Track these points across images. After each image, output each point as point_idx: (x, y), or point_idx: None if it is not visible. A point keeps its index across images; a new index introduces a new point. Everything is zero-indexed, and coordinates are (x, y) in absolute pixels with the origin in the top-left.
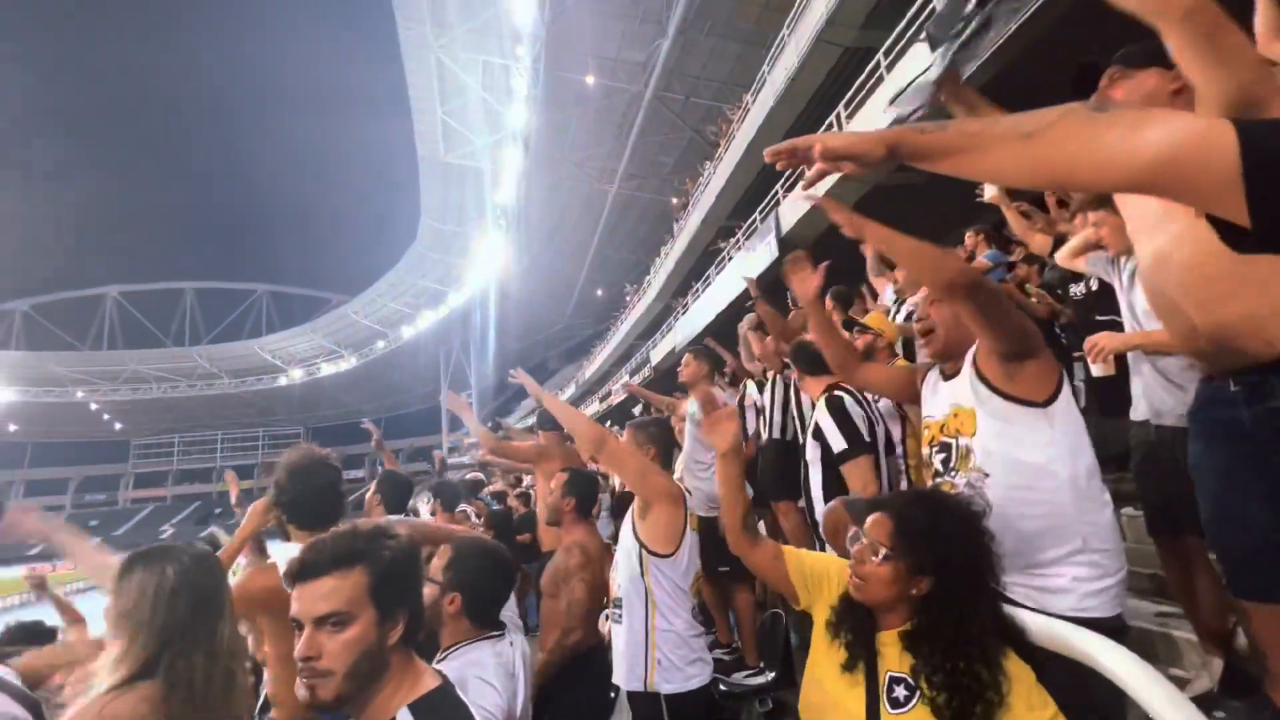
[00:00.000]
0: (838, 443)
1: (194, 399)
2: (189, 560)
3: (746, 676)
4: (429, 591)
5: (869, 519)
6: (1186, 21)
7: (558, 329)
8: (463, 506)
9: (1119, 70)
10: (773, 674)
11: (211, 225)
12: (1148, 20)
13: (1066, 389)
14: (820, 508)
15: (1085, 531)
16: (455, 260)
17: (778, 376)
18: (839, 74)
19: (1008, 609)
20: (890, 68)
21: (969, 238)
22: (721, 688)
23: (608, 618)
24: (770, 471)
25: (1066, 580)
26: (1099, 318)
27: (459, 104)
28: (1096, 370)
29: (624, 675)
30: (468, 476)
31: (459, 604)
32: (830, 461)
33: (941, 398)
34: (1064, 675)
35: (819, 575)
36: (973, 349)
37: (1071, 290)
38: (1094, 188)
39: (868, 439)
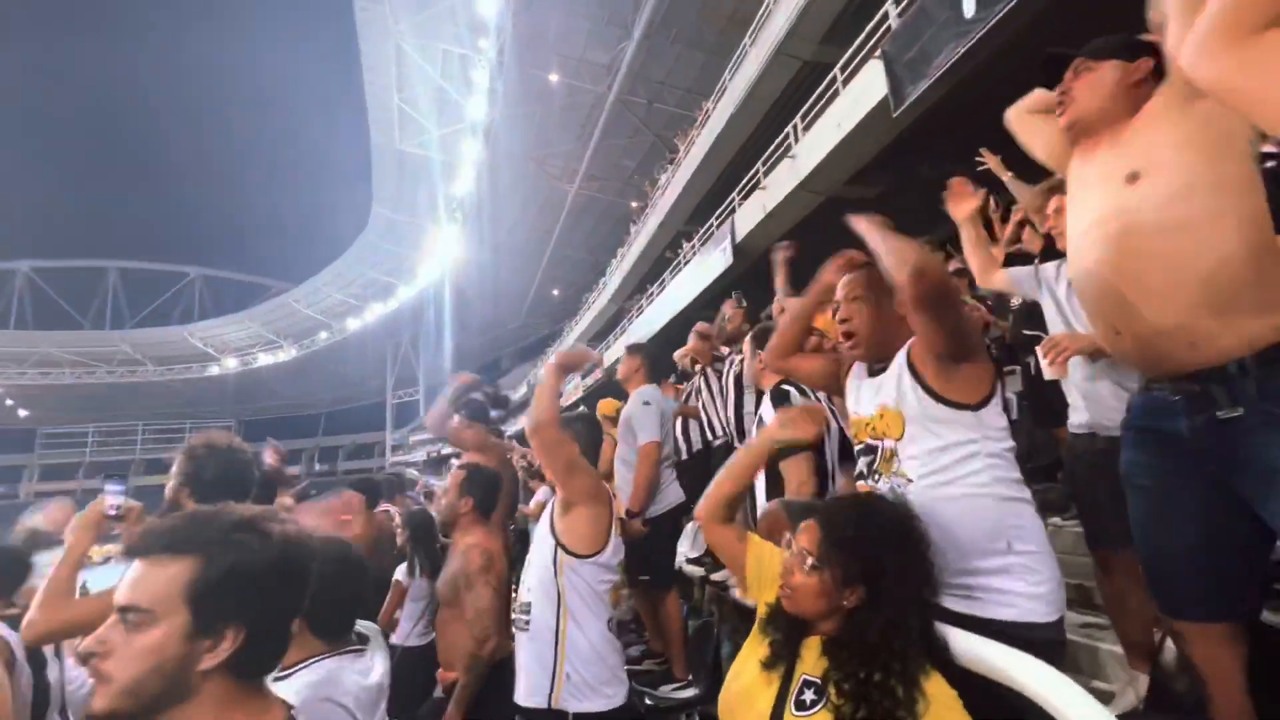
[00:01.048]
0: None
1: (114, 386)
2: None
3: (674, 690)
4: None
5: (800, 526)
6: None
7: (513, 327)
8: (384, 506)
9: (1084, 62)
10: (699, 690)
11: (142, 202)
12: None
13: (998, 394)
14: (761, 507)
15: (1011, 535)
16: (407, 252)
17: (707, 370)
18: (798, 86)
19: (940, 626)
20: (846, 83)
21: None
22: (648, 702)
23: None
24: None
25: (1001, 586)
26: (1026, 331)
27: (416, 92)
28: (1050, 373)
29: (524, 690)
30: (389, 473)
31: (301, 621)
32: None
33: (866, 395)
34: (990, 700)
35: (770, 571)
36: (905, 347)
37: (1012, 302)
38: None
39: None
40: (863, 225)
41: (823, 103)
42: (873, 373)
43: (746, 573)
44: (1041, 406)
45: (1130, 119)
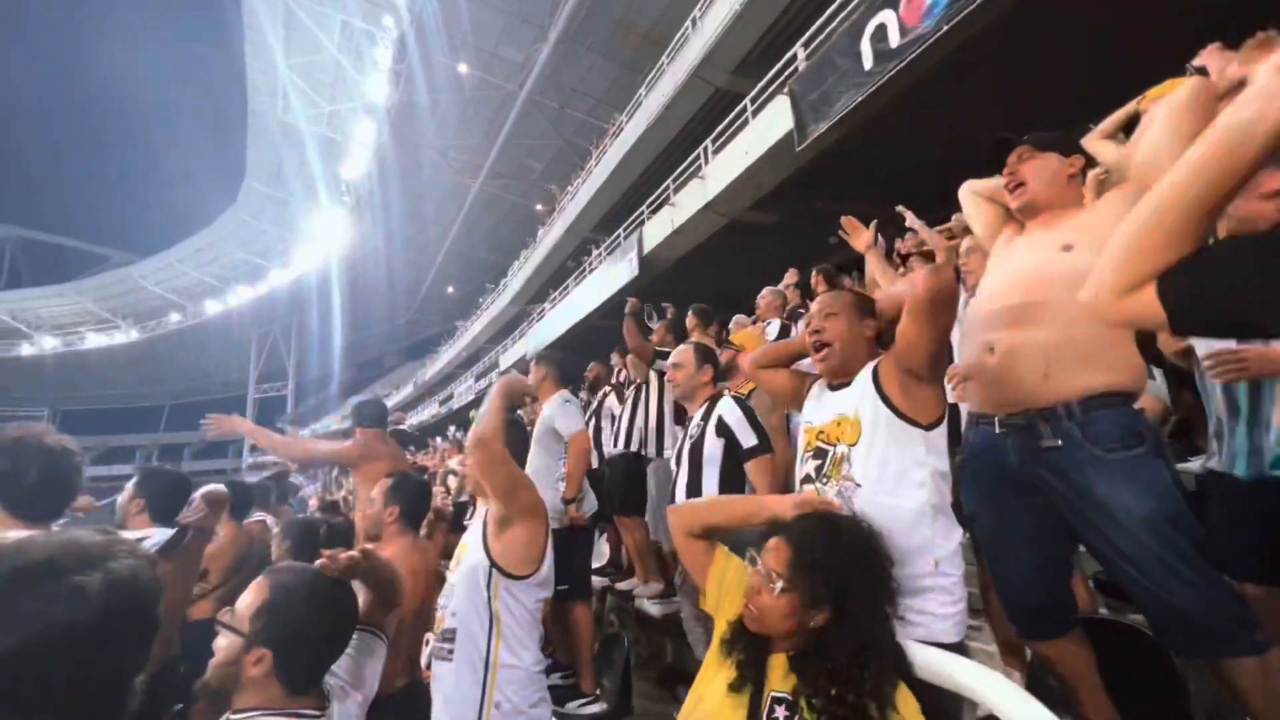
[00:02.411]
0: (748, 438)
1: None
2: None
3: (582, 706)
4: (227, 645)
5: (768, 545)
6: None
7: (402, 322)
8: (258, 514)
9: (1028, 150)
10: (606, 706)
11: None
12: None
13: (946, 421)
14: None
15: (938, 554)
16: (283, 233)
17: (641, 385)
18: (709, 111)
19: (901, 639)
20: (756, 113)
21: (813, 277)
22: None
23: (430, 654)
24: (623, 484)
25: (917, 605)
26: None
27: (307, 61)
28: (952, 397)
29: None
30: (270, 477)
31: (268, 664)
32: (733, 460)
33: (826, 406)
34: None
35: (733, 585)
36: (873, 363)
37: None
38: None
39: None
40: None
41: (732, 129)
42: (833, 388)
43: (708, 584)
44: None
45: (1065, 207)
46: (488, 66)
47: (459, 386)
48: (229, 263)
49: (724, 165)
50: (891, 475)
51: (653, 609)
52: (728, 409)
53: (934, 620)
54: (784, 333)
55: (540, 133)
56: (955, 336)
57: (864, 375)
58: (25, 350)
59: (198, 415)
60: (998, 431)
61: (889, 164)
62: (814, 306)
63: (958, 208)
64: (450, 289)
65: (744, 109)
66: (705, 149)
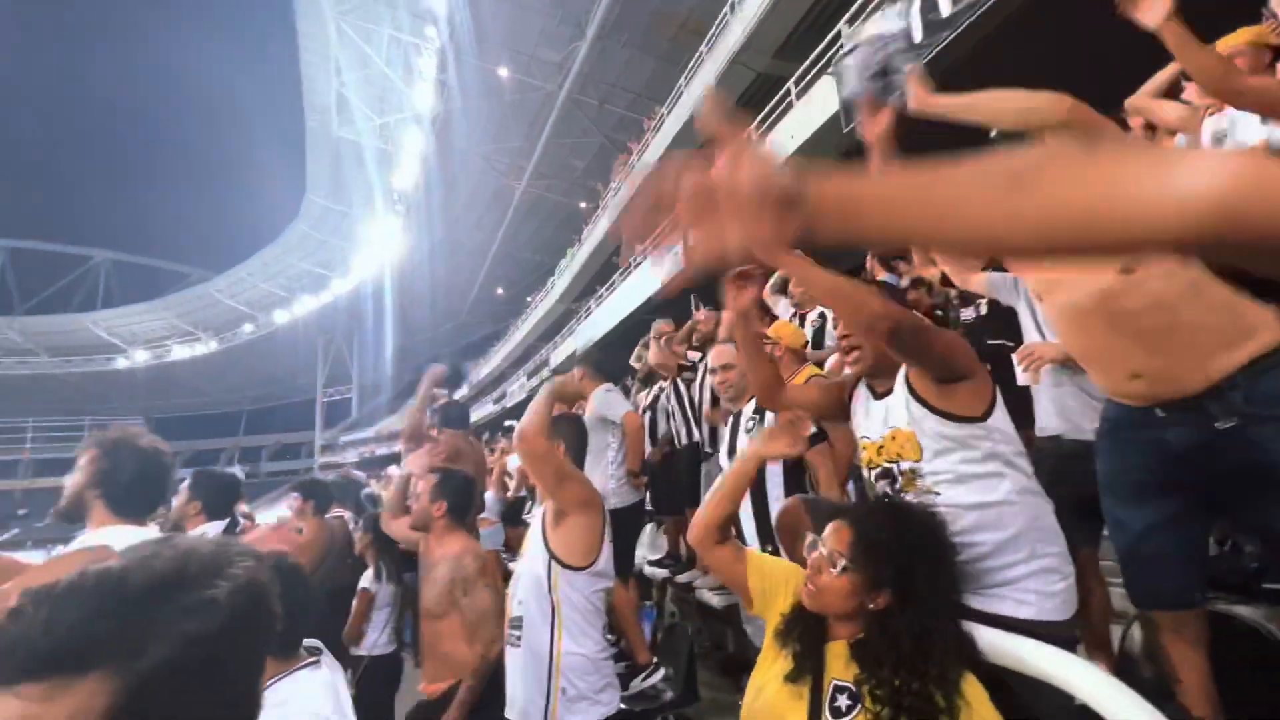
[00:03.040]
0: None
1: None
2: None
3: (644, 679)
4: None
5: (829, 527)
6: None
7: (454, 325)
8: (337, 511)
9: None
10: (671, 688)
11: (41, 173)
12: None
13: (1000, 401)
14: (776, 506)
15: (1034, 539)
16: (341, 244)
17: (675, 380)
18: (751, 97)
19: (967, 625)
20: (800, 95)
21: (869, 261)
22: (621, 705)
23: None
24: (686, 476)
25: (1021, 586)
26: (990, 341)
27: (357, 77)
28: (1024, 379)
29: (520, 708)
30: (340, 475)
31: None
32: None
33: (875, 418)
34: (1016, 693)
35: (776, 581)
36: (904, 368)
37: (962, 314)
38: (1121, 246)
39: None
40: (796, 267)
41: (776, 114)
42: (878, 395)
43: (750, 590)
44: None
45: None
46: (527, 68)
47: (511, 385)
48: (294, 274)
49: (769, 152)
50: (966, 476)
51: (714, 600)
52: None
53: (1043, 599)
54: (801, 320)
55: (581, 131)
56: (1028, 311)
57: (900, 383)
58: (120, 363)
59: (273, 419)
60: (1159, 415)
61: (940, 140)
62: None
63: None
64: (500, 290)
65: (787, 92)
66: (749, 137)
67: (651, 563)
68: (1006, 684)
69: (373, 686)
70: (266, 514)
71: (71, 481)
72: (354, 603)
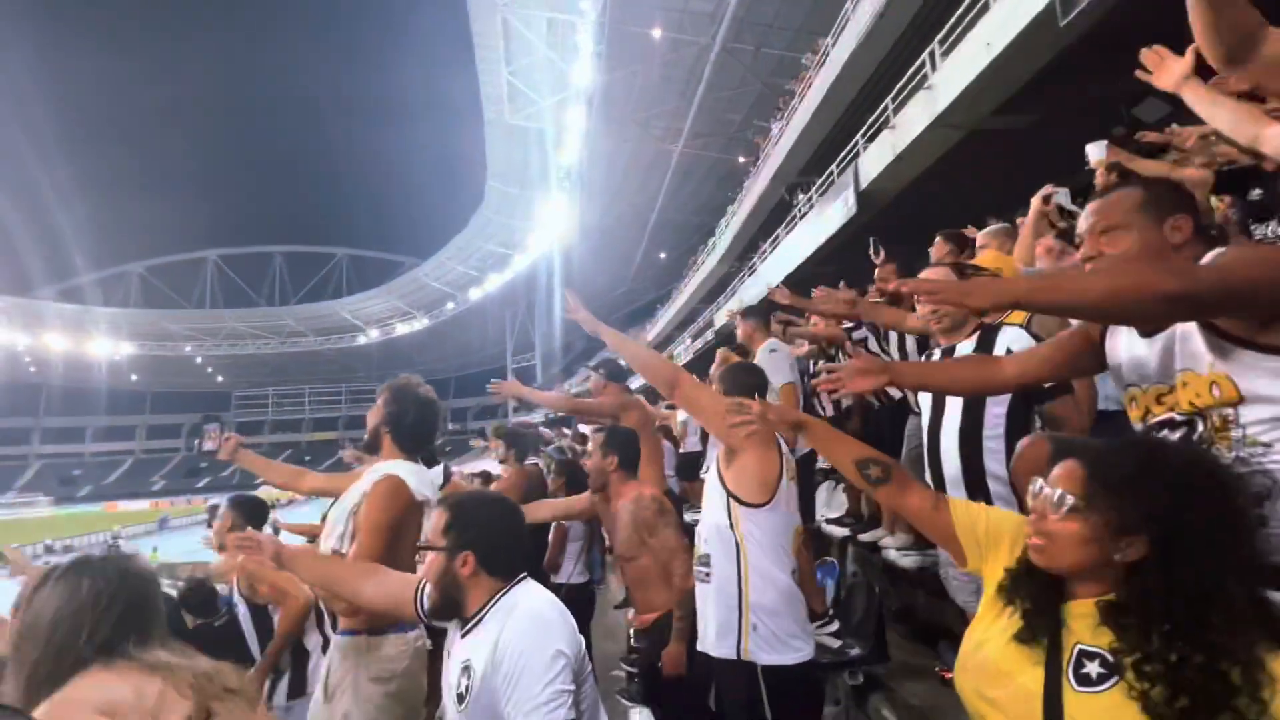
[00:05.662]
0: None
1: (283, 355)
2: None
3: (820, 628)
4: (433, 561)
5: (1056, 467)
6: None
7: (620, 292)
8: (533, 459)
9: None
10: (862, 649)
11: (297, 195)
12: None
13: None
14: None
15: None
16: (519, 223)
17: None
18: (931, 9)
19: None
20: None
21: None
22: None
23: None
24: (887, 430)
25: None
26: None
27: (524, 63)
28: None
29: (713, 640)
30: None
31: (473, 563)
32: (1021, 397)
33: (1141, 357)
34: None
35: (995, 532)
36: None
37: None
38: None
39: None
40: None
41: (967, 20)
42: (1145, 333)
43: (962, 544)
44: None
45: None
46: (679, 25)
47: (677, 348)
48: (483, 255)
49: (958, 67)
50: None
51: (903, 560)
52: (1017, 339)
53: None
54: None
55: (739, 81)
56: None
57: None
58: (360, 340)
59: (474, 384)
60: None
61: (1183, 34)
62: (1083, 223)
63: None
64: (662, 255)
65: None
66: (931, 54)
67: (830, 520)
68: None
69: (572, 612)
70: (474, 464)
71: (370, 421)
72: (549, 536)
